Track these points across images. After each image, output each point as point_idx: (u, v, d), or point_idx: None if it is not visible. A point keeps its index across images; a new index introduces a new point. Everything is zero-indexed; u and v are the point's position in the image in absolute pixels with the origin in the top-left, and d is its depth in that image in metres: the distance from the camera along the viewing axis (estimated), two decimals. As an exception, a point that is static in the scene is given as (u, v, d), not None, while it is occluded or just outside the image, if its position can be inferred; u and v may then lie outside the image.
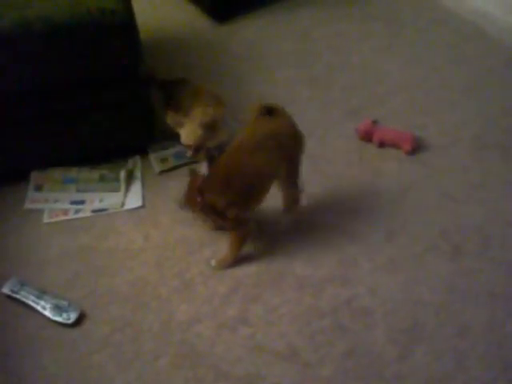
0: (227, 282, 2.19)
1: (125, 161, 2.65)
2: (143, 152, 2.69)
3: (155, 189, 2.56)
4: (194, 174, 2.19)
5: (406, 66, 3.15)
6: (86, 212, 2.47)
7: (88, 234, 2.39)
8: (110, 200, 2.50)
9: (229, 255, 2.22)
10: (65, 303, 2.11)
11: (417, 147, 2.63)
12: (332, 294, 2.13)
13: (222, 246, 2.29)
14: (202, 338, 2.03)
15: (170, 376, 1.94)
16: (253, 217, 2.25)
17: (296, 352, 1.98)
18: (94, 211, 2.47)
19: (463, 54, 3.19)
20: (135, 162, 2.65)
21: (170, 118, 2.37)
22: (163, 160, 2.65)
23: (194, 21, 3.58)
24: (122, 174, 2.56)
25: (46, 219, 2.45)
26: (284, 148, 2.12)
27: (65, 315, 2.07)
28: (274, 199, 2.25)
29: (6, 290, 2.15)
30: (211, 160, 2.43)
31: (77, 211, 2.48)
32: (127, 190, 2.54)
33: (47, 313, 2.08)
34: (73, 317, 2.08)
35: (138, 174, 2.62)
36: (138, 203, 2.50)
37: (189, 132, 2.21)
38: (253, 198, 2.18)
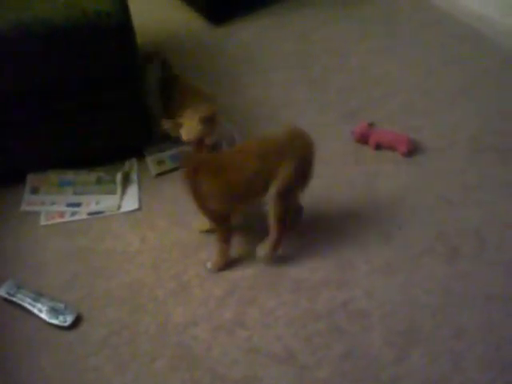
0: (223, 284, 2.19)
1: (121, 163, 2.64)
2: (140, 155, 2.69)
3: (151, 191, 2.56)
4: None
5: (403, 68, 3.15)
6: (82, 214, 2.47)
7: (85, 236, 2.39)
8: (107, 202, 2.50)
9: (217, 255, 2.23)
10: (61, 306, 2.10)
11: (413, 149, 2.63)
12: (328, 296, 2.13)
13: (218, 248, 2.30)
14: (199, 340, 2.03)
15: (166, 378, 1.94)
16: (238, 219, 2.27)
17: (292, 354, 1.98)
18: (90, 214, 2.47)
19: (460, 56, 3.19)
20: (132, 165, 2.65)
21: (167, 124, 2.37)
22: (159, 162, 2.65)
23: (191, 23, 3.58)
24: (119, 177, 2.56)
25: (42, 222, 2.45)
26: (287, 168, 2.10)
27: (61, 318, 2.07)
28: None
29: (2, 293, 2.15)
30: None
31: (73, 214, 2.48)
32: (124, 192, 2.54)
33: (43, 315, 2.08)
34: (69, 319, 2.07)
35: (134, 176, 2.62)
36: (135, 206, 2.50)
37: (189, 128, 2.21)
38: (238, 197, 2.17)
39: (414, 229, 2.34)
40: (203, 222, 2.31)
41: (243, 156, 2.12)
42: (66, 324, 2.06)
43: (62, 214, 2.47)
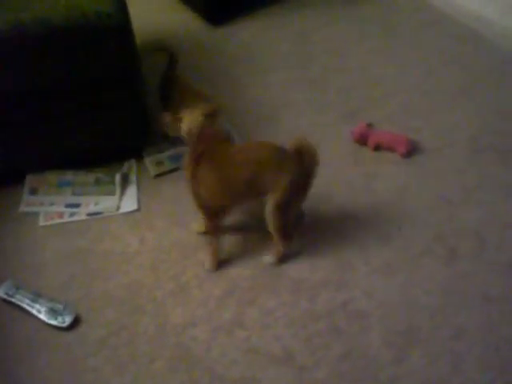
0: (222, 285, 2.19)
1: (120, 164, 2.64)
2: (138, 156, 2.69)
3: (150, 192, 2.56)
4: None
5: (402, 68, 3.15)
6: (81, 215, 2.47)
7: (83, 237, 2.39)
8: (106, 203, 2.50)
9: (208, 254, 2.24)
10: (60, 306, 2.10)
11: (412, 150, 2.63)
12: (328, 297, 2.13)
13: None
14: (198, 341, 2.03)
15: (165, 379, 1.94)
16: (229, 217, 2.27)
17: (291, 355, 1.98)
18: (89, 214, 2.47)
19: (459, 57, 3.20)
20: (130, 166, 2.65)
21: (167, 117, 2.37)
22: (158, 163, 2.65)
23: (190, 24, 3.58)
24: (118, 178, 2.56)
25: (41, 222, 2.45)
26: (285, 182, 2.08)
27: (60, 318, 2.07)
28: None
29: (1, 294, 2.15)
30: None
31: (72, 214, 2.47)
32: (122, 193, 2.54)
33: (42, 316, 2.08)
34: (68, 320, 2.07)
35: (133, 177, 2.62)
36: (134, 206, 2.49)
37: (189, 121, 2.21)
38: (231, 195, 2.18)
39: (413, 229, 2.34)
40: (200, 224, 2.31)
41: (246, 156, 2.13)
42: (65, 325, 2.06)
43: (60, 215, 2.47)
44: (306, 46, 3.35)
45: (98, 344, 2.04)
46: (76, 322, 2.09)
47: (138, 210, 2.49)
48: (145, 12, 3.54)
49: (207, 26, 3.54)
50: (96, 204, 2.50)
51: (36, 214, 2.47)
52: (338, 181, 2.54)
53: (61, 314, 2.08)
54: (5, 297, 2.14)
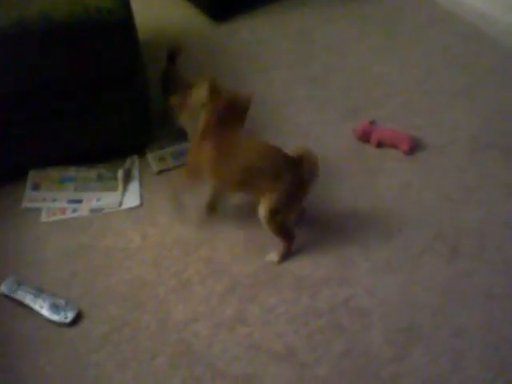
0: (224, 281, 2.19)
1: (123, 160, 2.64)
2: (141, 151, 2.69)
3: (153, 188, 2.56)
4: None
5: (404, 66, 3.15)
6: (83, 211, 2.47)
7: (86, 233, 2.39)
8: (108, 199, 2.50)
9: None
10: (62, 302, 2.11)
11: (415, 147, 2.63)
12: (329, 294, 2.14)
13: (219, 245, 2.30)
14: (199, 337, 2.04)
15: (166, 375, 1.94)
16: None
17: (293, 352, 1.98)
18: (91, 210, 2.47)
19: (460, 54, 3.19)
20: (133, 162, 2.65)
21: (175, 100, 2.39)
22: (161, 159, 2.65)
23: (192, 20, 3.58)
24: (120, 174, 2.56)
25: (43, 218, 2.45)
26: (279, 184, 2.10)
27: (62, 314, 2.07)
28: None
29: (3, 290, 2.15)
30: None
31: (74, 210, 2.48)
32: (125, 189, 2.54)
33: (44, 312, 2.08)
34: (70, 316, 2.08)
35: (135, 173, 2.62)
36: (136, 202, 2.50)
37: (197, 91, 2.23)
38: (220, 179, 2.24)
39: (414, 227, 2.34)
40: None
41: (247, 155, 2.14)
42: (67, 320, 2.06)
43: (63, 211, 2.47)
44: (307, 44, 3.35)
45: (100, 340, 2.04)
46: (78, 318, 2.09)
47: (141, 205, 2.49)
48: (148, 8, 3.54)
49: (210, 22, 3.54)
50: (98, 200, 2.50)
51: (38, 210, 2.48)
52: (339, 177, 2.55)
53: (63, 310, 2.08)
54: (7, 293, 2.14)
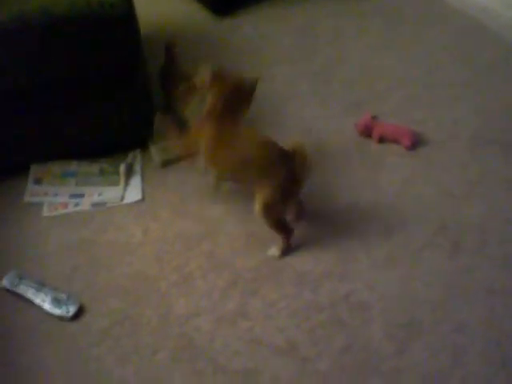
0: (226, 276, 2.20)
1: (124, 154, 2.65)
2: (143, 146, 2.69)
3: (155, 182, 2.56)
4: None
5: (406, 61, 3.15)
6: (85, 205, 2.47)
7: (87, 227, 2.40)
8: (110, 194, 2.50)
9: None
10: (64, 296, 2.11)
11: (417, 142, 2.63)
12: (330, 288, 2.14)
13: (220, 239, 2.30)
14: (201, 331, 2.04)
15: (168, 369, 1.94)
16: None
17: (294, 346, 1.98)
18: (93, 205, 2.48)
19: (463, 49, 3.19)
20: (135, 156, 2.65)
21: (178, 92, 2.40)
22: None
23: (195, 15, 3.58)
24: (122, 168, 2.56)
25: (45, 213, 2.45)
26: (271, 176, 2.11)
27: (64, 308, 2.08)
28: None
29: (5, 284, 2.15)
30: None
31: (76, 205, 2.48)
32: (127, 183, 2.54)
33: (46, 306, 2.09)
34: (72, 310, 2.08)
35: (137, 167, 2.62)
36: (138, 197, 2.50)
37: (200, 76, 2.24)
38: (219, 167, 2.30)
39: (415, 222, 2.34)
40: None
41: (242, 148, 2.16)
42: (69, 314, 2.07)
43: (65, 205, 2.48)
44: (310, 39, 3.35)
45: (101, 334, 2.04)
46: (80, 312, 2.09)
47: (143, 200, 2.49)
48: (149, 2, 3.53)
49: (212, 17, 3.54)
50: (100, 194, 2.50)
51: (40, 205, 2.48)
52: (341, 172, 2.55)
53: (65, 304, 2.09)
54: (9, 287, 2.15)
